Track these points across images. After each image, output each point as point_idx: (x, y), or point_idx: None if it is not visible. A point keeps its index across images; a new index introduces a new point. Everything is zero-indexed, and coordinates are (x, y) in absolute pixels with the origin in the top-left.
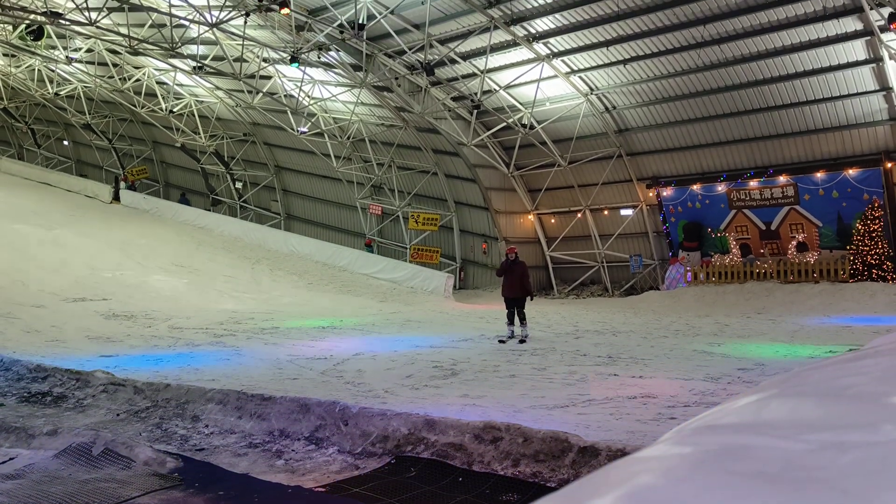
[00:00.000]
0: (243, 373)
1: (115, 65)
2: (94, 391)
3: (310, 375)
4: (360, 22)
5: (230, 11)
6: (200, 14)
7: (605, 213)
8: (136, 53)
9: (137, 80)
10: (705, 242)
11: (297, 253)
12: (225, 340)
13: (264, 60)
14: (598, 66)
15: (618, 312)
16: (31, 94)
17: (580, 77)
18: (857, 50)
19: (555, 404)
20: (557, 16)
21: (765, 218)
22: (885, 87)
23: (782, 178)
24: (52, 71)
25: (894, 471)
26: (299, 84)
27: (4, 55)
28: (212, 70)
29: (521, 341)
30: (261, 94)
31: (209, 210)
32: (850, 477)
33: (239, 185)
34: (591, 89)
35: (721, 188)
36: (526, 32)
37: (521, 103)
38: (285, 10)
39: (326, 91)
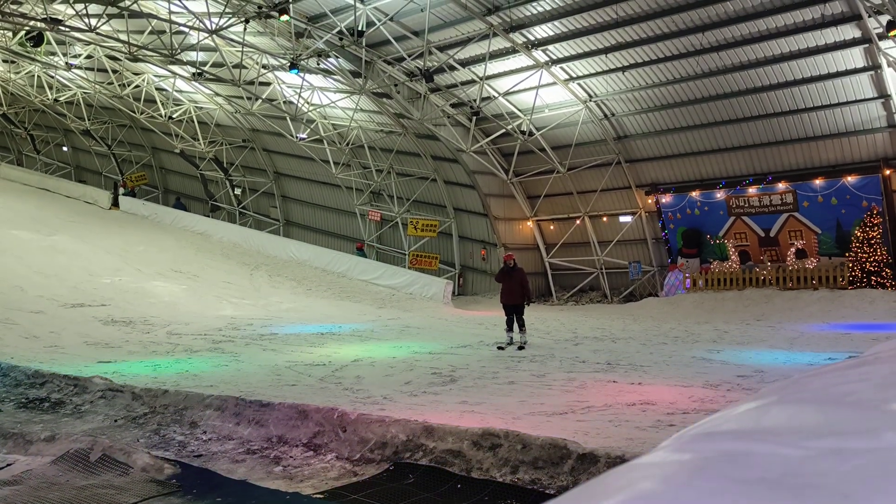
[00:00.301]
0: (241, 379)
1: (114, 71)
2: (91, 397)
3: (308, 381)
4: (360, 29)
5: (230, 18)
6: (200, 21)
7: (604, 219)
8: (135, 60)
9: (137, 86)
10: (704, 249)
11: (296, 259)
12: (223, 346)
13: (263, 67)
14: (597, 73)
15: (617, 319)
16: (31, 100)
17: (579, 84)
18: (856, 57)
19: (553, 411)
20: (556, 23)
21: (764, 225)
22: (883, 95)
23: (781, 185)
24: (52, 77)
25: (894, 477)
26: (298, 90)
27: (4, 61)
28: (211, 76)
29: (520, 348)
30: (260, 101)
31: (208, 216)
32: (851, 483)
33: (238, 191)
34: (590, 96)
35: (720, 195)
36: (525, 39)
37: (520, 110)
38: (285, 17)
39: (326, 97)
